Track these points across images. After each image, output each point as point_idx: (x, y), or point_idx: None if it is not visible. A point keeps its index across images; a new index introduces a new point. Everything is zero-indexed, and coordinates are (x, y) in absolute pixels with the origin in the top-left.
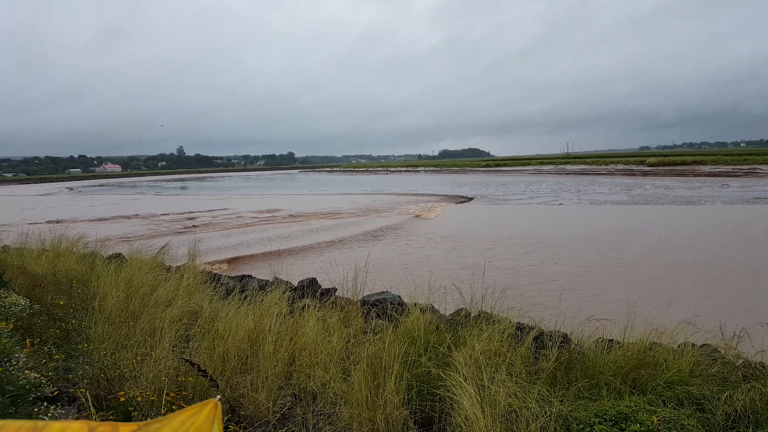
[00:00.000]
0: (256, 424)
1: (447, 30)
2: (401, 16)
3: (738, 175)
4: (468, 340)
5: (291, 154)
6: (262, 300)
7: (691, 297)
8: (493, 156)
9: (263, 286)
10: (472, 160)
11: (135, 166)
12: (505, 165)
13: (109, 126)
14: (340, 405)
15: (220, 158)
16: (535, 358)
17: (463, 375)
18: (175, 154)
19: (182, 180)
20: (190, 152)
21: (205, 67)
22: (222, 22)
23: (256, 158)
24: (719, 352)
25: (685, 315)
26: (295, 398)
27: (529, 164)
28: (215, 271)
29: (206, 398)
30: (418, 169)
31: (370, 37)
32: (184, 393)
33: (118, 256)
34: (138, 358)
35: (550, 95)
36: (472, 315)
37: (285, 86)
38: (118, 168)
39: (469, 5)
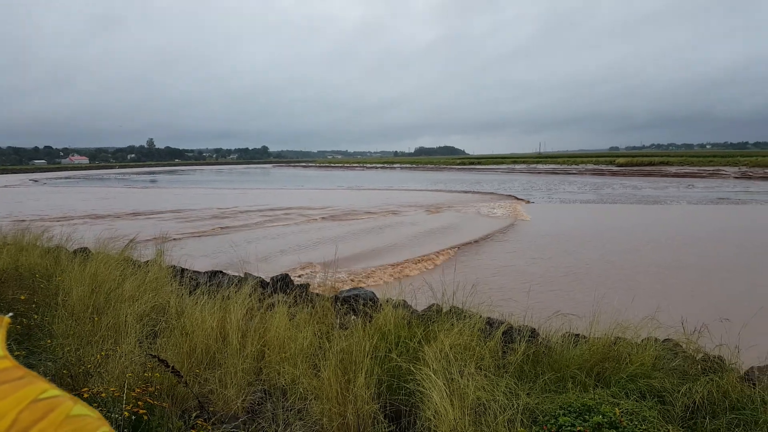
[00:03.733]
0: (225, 420)
1: (445, 27)
2: (400, 12)
3: (703, 176)
4: (438, 335)
5: (265, 148)
6: (229, 296)
7: (655, 293)
8: (469, 154)
9: (233, 281)
10: (448, 157)
11: (103, 158)
12: (479, 163)
13: (82, 117)
14: (311, 400)
15: (191, 151)
16: (504, 352)
17: (433, 369)
18: (145, 146)
19: (152, 173)
20: (160, 145)
21: (193, 59)
22: (216, 13)
23: (229, 152)
24: (680, 346)
25: (648, 311)
26: (265, 394)
27: (502, 163)
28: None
29: (174, 394)
30: (394, 165)
31: (366, 32)
32: (150, 389)
33: (84, 250)
34: (103, 353)
35: (533, 96)
36: (444, 310)
37: (273, 80)
38: (85, 160)
39: (470, 3)
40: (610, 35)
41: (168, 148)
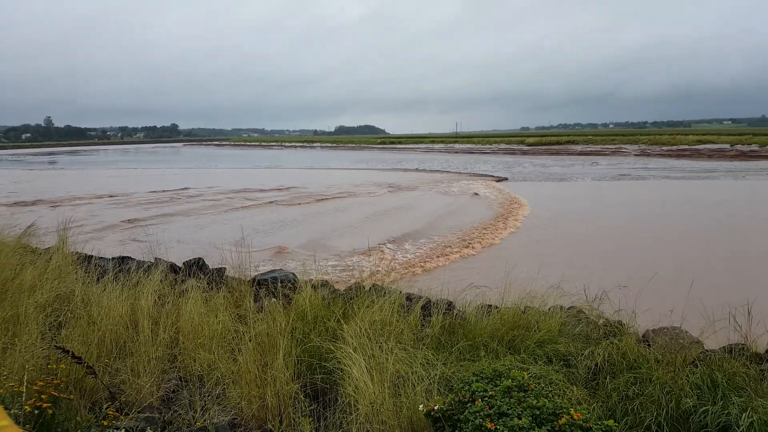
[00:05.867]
0: (139, 410)
1: (375, 2)
2: None
3: (606, 154)
4: (359, 313)
5: (174, 126)
6: (139, 282)
7: (559, 265)
8: (389, 133)
9: (143, 267)
10: (368, 137)
11: None
12: (399, 143)
13: None
14: (229, 385)
15: (94, 130)
16: (423, 325)
17: (353, 346)
18: (42, 125)
19: (51, 154)
20: (60, 123)
21: (104, 28)
22: None
23: (135, 130)
24: (584, 312)
25: (554, 281)
26: (181, 381)
27: (421, 142)
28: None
29: (83, 386)
30: (314, 144)
31: (293, 4)
32: (55, 381)
33: None
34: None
35: (453, 75)
36: (366, 288)
37: (189, 52)
38: None
39: None
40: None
41: (69, 127)
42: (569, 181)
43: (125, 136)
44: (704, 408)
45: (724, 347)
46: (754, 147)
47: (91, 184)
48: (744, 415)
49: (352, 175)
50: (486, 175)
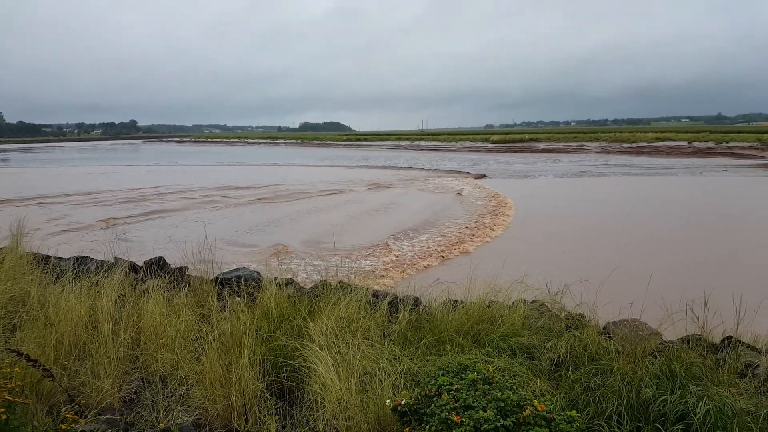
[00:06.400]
0: (100, 412)
1: (340, 0)
2: None
3: (568, 152)
4: (325, 310)
5: (133, 123)
6: (98, 282)
7: (522, 260)
8: (355, 130)
9: (102, 267)
10: (334, 133)
11: None
12: (365, 139)
13: None
14: (192, 385)
15: (49, 126)
16: (390, 321)
17: (320, 344)
18: None
19: (2, 151)
20: (11, 119)
21: (61, 25)
22: None
23: (92, 127)
24: (546, 306)
25: (517, 275)
26: (143, 382)
27: (388, 139)
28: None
29: (39, 389)
30: (278, 141)
31: (257, 0)
32: (9, 385)
33: None
34: None
35: (419, 73)
36: (333, 286)
37: (150, 50)
38: None
39: None
40: (494, 16)
41: (21, 123)
42: (533, 177)
43: (82, 132)
44: (663, 397)
45: (681, 338)
46: (711, 144)
47: (54, 183)
48: (701, 403)
49: (326, 172)
50: (461, 172)
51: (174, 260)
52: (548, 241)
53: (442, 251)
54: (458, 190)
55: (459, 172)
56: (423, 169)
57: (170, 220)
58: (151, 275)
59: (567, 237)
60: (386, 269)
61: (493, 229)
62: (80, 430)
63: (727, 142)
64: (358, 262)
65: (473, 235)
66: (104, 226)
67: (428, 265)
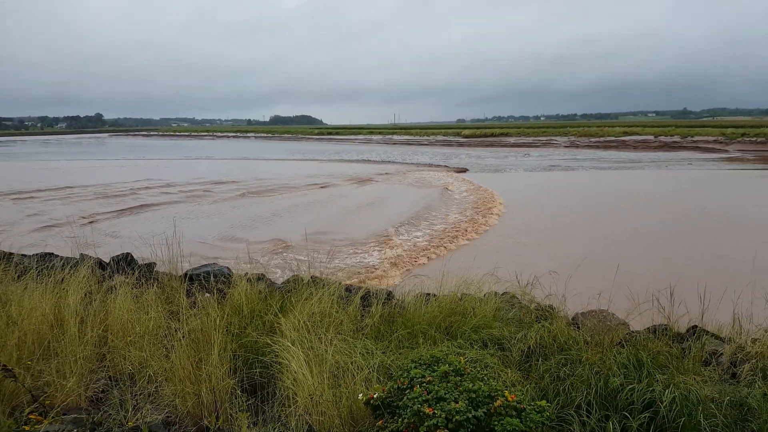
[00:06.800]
0: (65, 412)
1: None
2: None
3: (537, 146)
4: (297, 305)
5: (99, 116)
6: (64, 279)
7: (493, 252)
8: (326, 124)
9: (68, 263)
10: (305, 127)
11: None
12: (337, 133)
13: None
14: (162, 383)
15: (10, 120)
16: (362, 315)
17: (291, 339)
18: None
19: None
20: None
21: (28, 14)
22: None
23: (57, 120)
24: (516, 298)
25: (488, 268)
26: (111, 380)
27: (360, 133)
28: None
29: (1, 390)
30: (248, 135)
31: None
32: None
33: None
34: None
35: (392, 67)
36: (305, 281)
37: (120, 42)
38: None
39: None
40: (465, 11)
41: None
42: (503, 171)
43: (46, 126)
44: (631, 386)
45: (648, 328)
46: (676, 138)
47: (22, 177)
48: (667, 391)
49: (303, 167)
50: (441, 165)
51: (160, 256)
52: (544, 235)
53: (444, 243)
54: (445, 184)
55: (440, 166)
56: (403, 163)
57: (158, 213)
58: (118, 272)
59: (550, 230)
60: (392, 264)
61: (486, 224)
62: (44, 430)
63: (692, 137)
64: (362, 257)
65: (475, 223)
66: (84, 222)
67: (431, 257)
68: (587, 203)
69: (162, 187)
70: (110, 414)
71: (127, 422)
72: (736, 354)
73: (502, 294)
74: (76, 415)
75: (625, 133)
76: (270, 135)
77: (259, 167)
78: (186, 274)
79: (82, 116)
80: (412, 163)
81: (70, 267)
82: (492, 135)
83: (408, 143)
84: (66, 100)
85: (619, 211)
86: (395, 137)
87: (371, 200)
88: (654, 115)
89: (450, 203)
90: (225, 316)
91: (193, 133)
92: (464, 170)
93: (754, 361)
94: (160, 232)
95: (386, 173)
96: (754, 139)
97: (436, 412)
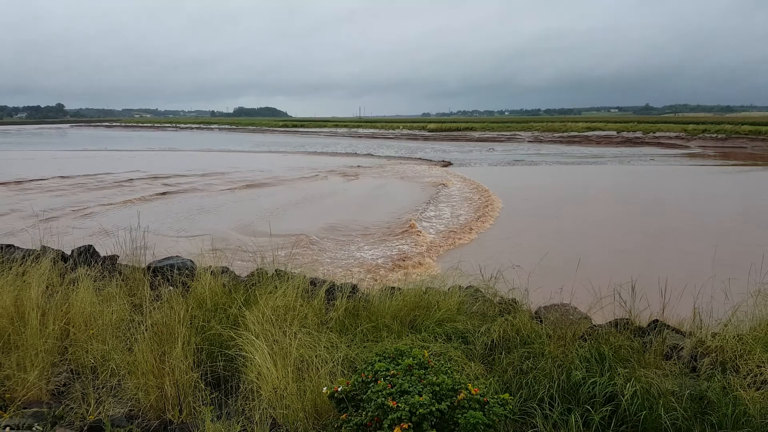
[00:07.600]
0: (25, 406)
1: None
2: None
3: (502, 141)
4: (261, 299)
5: (60, 106)
6: (25, 271)
7: (457, 248)
8: (291, 116)
9: (29, 255)
10: (270, 119)
11: None
12: (302, 126)
13: None
14: (124, 376)
15: None
16: (327, 309)
17: (256, 332)
18: None
19: None
20: None
21: None
22: None
23: (16, 110)
24: (480, 291)
25: (452, 263)
26: (73, 374)
27: (325, 126)
28: None
29: None
30: (212, 126)
31: None
32: None
33: None
34: None
35: (357, 60)
36: (269, 274)
37: (78, 30)
38: None
39: None
40: (428, 4)
41: None
42: (468, 166)
43: (5, 116)
44: (593, 379)
45: (610, 322)
46: (638, 134)
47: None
48: (628, 385)
49: (277, 159)
50: (424, 159)
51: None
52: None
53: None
54: (438, 177)
55: (422, 159)
56: (375, 156)
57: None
58: (81, 264)
59: (516, 224)
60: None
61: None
62: (4, 424)
63: (654, 132)
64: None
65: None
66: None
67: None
68: (551, 198)
69: (148, 179)
70: (72, 408)
71: (88, 416)
72: (696, 348)
73: (466, 287)
74: (37, 409)
75: (589, 129)
76: (234, 127)
77: (220, 159)
78: (149, 267)
79: (42, 106)
80: (383, 156)
81: (32, 259)
82: (457, 129)
83: (374, 137)
84: (25, 89)
85: (580, 205)
86: (360, 130)
87: (375, 193)
88: (616, 110)
89: (454, 194)
90: (189, 309)
91: (156, 125)
92: (449, 164)
93: (713, 355)
94: (128, 225)
95: (358, 166)
96: (715, 135)
97: (400, 405)
